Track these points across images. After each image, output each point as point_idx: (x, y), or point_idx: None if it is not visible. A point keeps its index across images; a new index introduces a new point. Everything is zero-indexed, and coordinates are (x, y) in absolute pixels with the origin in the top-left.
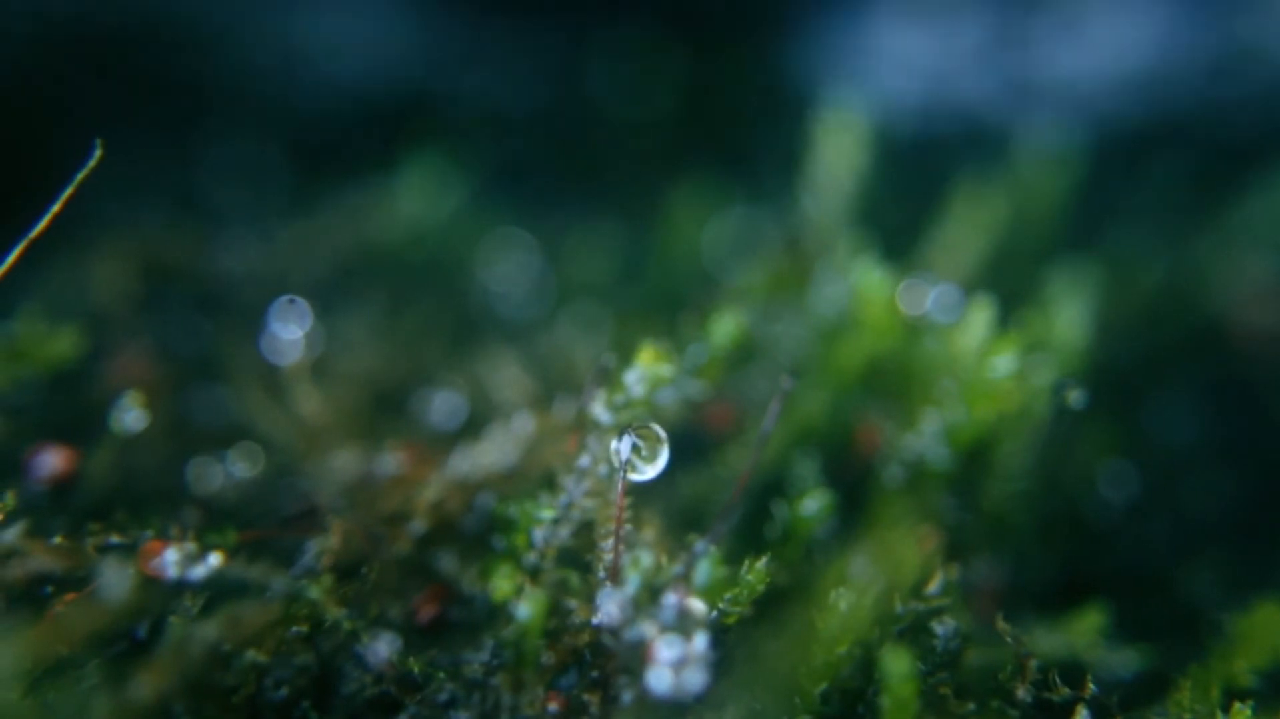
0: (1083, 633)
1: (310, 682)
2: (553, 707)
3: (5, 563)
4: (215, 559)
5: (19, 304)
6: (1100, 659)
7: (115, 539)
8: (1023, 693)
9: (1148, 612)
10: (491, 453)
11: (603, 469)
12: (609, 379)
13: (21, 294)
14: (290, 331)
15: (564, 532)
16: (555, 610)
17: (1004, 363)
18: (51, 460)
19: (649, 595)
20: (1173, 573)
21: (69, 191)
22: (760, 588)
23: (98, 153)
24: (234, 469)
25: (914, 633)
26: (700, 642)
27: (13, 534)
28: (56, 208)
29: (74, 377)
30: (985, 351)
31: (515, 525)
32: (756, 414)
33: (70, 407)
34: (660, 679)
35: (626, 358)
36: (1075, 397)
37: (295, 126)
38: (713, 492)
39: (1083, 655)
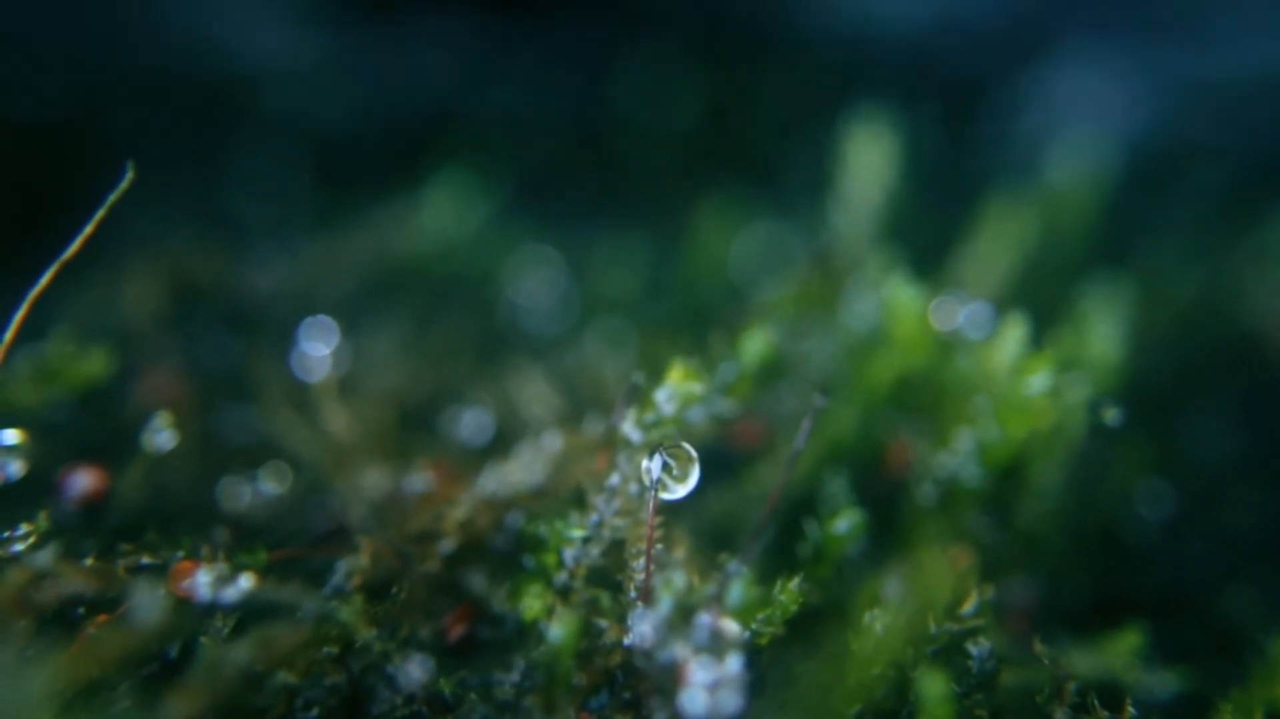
0: (1120, 654)
1: (341, 702)
2: None
3: (38, 585)
4: (247, 581)
5: (50, 324)
6: (1139, 681)
7: (146, 560)
8: (1060, 715)
9: (1187, 632)
10: (520, 471)
11: (633, 488)
12: (639, 397)
13: (53, 313)
14: (317, 349)
15: (594, 551)
16: (586, 631)
17: (1038, 380)
18: (83, 480)
19: (682, 616)
20: (1212, 592)
21: (100, 214)
22: (793, 608)
23: (129, 174)
24: (263, 488)
25: (949, 654)
26: (734, 663)
27: (46, 556)
28: (89, 229)
29: (104, 396)
30: (1019, 369)
31: (545, 544)
32: (786, 431)
33: (101, 426)
34: (694, 701)
35: (655, 375)
36: (1112, 415)
37: (321, 142)
38: (743, 510)
39: (1121, 677)
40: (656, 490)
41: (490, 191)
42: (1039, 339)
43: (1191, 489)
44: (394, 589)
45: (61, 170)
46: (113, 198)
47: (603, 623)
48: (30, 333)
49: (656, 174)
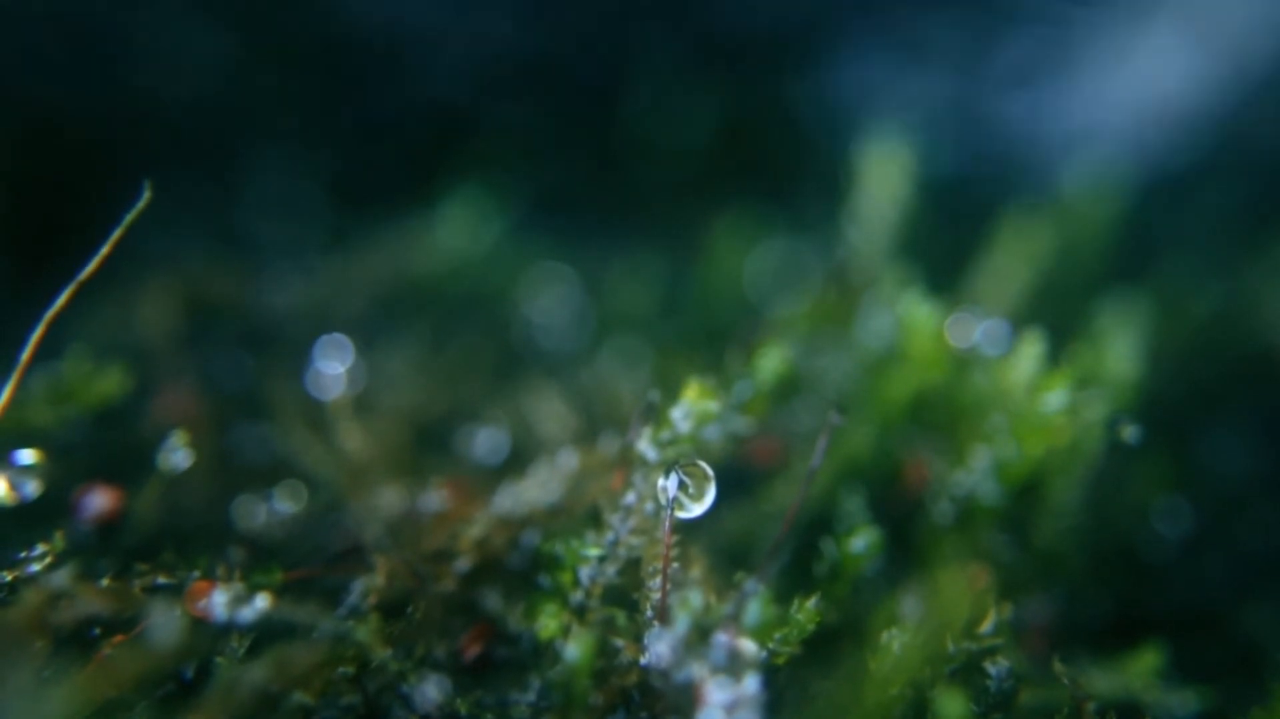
0: (1139, 673)
1: None
2: None
3: (55, 605)
4: (263, 601)
5: (66, 343)
6: (1158, 701)
7: (162, 580)
8: None
9: (1206, 651)
10: (536, 489)
11: (649, 506)
12: (655, 415)
13: (68, 332)
14: (332, 367)
15: (610, 570)
16: (603, 650)
17: (1055, 398)
18: (99, 500)
19: (699, 636)
20: (1231, 610)
21: (117, 234)
22: (810, 627)
23: (145, 194)
24: (278, 507)
25: (967, 673)
26: (751, 683)
27: (62, 576)
28: (105, 250)
29: (120, 415)
30: (1036, 386)
31: (561, 563)
32: (802, 448)
33: (116, 445)
34: None
35: (670, 392)
36: (1129, 432)
37: (336, 160)
38: (759, 528)
39: (1140, 697)
40: (672, 509)
41: (505, 209)
42: (1056, 356)
43: (1210, 506)
44: (409, 608)
45: (77, 189)
46: (129, 218)
47: (619, 642)
48: (46, 352)
49: (671, 190)
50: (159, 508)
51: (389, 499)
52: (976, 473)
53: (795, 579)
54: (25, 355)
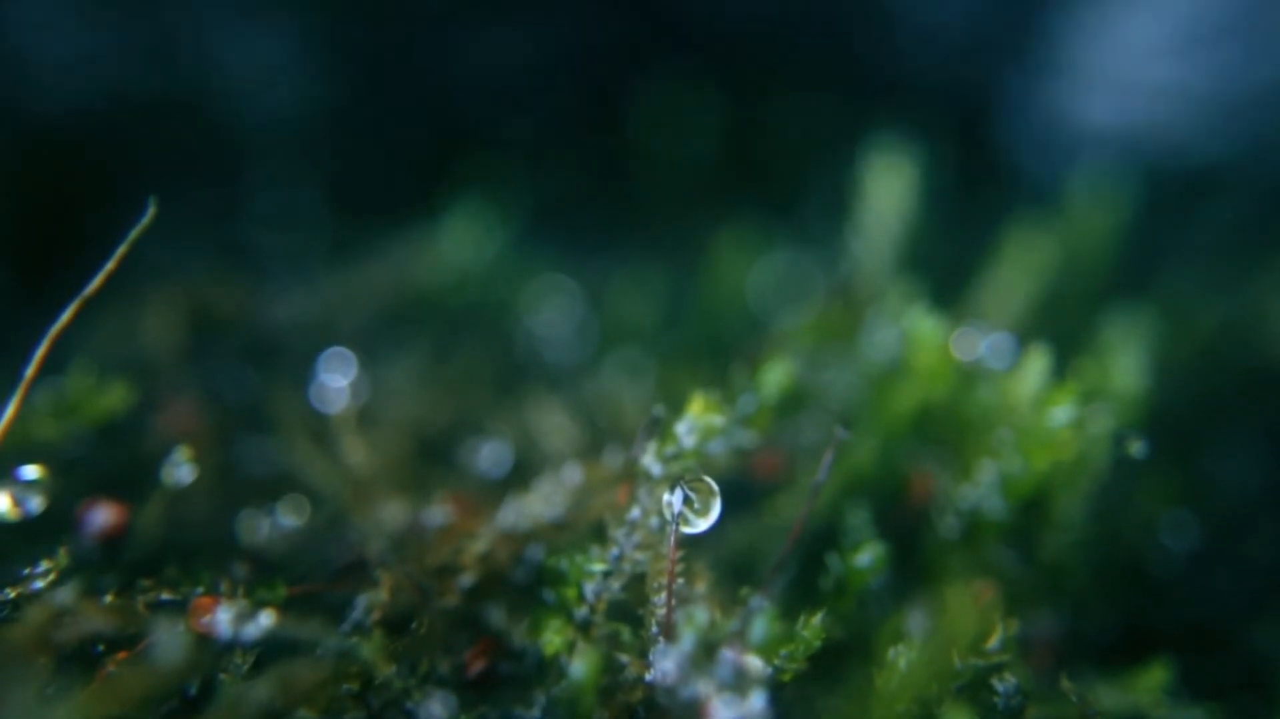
0: (1147, 690)
1: None
2: None
3: (58, 622)
4: (267, 618)
5: (70, 357)
6: (1166, 717)
7: (166, 596)
8: None
9: (1214, 667)
10: (540, 504)
11: (654, 521)
12: (659, 430)
13: (72, 347)
14: (336, 380)
15: (615, 585)
16: (608, 666)
17: (1061, 412)
18: (103, 516)
19: (704, 652)
20: (1239, 626)
21: (122, 249)
22: (816, 643)
23: (151, 209)
24: (282, 521)
25: (974, 690)
26: (757, 700)
27: (66, 593)
28: (110, 265)
29: (124, 429)
30: (1042, 400)
31: (566, 578)
32: (807, 462)
33: (120, 460)
34: None
35: (673, 405)
36: (1136, 447)
37: (338, 172)
38: (764, 543)
39: (1148, 713)
40: (677, 524)
41: (507, 221)
42: (1062, 370)
43: (1217, 521)
44: (414, 624)
45: (80, 203)
46: (135, 233)
47: (624, 658)
48: (50, 366)
49: (674, 202)
50: (163, 523)
51: (393, 513)
52: (982, 487)
53: (801, 595)
54: (30, 370)
